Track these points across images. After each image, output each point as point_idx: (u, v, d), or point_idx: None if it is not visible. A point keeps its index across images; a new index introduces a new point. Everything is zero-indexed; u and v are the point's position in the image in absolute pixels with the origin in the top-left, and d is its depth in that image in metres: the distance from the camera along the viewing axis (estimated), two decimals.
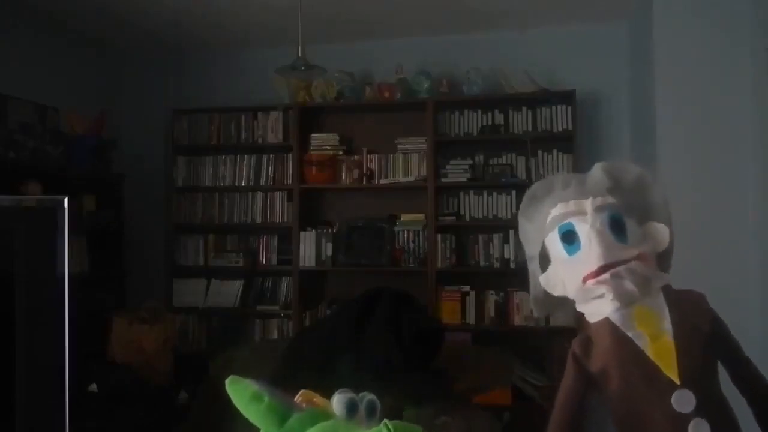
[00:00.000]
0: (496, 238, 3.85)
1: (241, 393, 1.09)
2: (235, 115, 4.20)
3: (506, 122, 3.89)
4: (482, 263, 3.87)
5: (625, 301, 1.36)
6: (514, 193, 3.85)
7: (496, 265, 3.84)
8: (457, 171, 3.88)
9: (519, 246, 3.74)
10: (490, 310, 3.83)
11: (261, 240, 4.21)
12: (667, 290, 1.41)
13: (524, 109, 3.86)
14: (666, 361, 1.31)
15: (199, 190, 4.24)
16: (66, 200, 1.01)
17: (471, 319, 3.83)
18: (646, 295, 1.37)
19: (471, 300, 3.84)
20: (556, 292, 1.48)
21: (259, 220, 4.17)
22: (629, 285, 1.35)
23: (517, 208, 3.73)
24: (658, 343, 1.33)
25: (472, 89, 3.91)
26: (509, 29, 4.01)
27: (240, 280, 4.20)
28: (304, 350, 2.52)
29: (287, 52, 3.12)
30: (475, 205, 3.90)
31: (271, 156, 4.17)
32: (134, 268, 4.19)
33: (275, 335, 4.10)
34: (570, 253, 1.42)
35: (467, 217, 3.91)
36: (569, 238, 1.43)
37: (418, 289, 3.40)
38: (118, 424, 2.87)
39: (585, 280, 1.39)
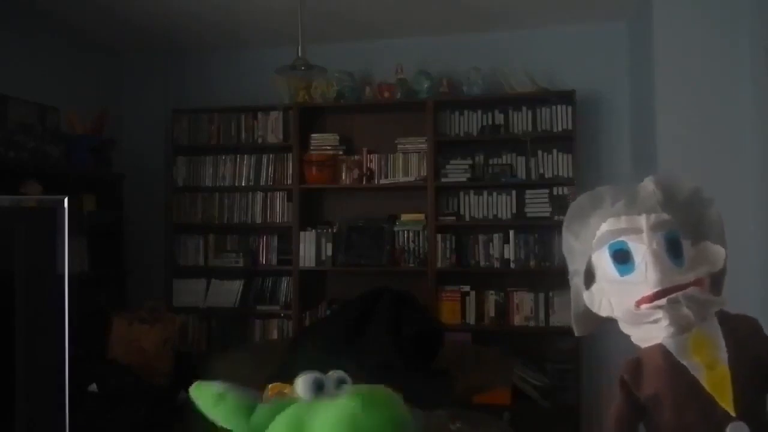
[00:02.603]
0: (496, 238, 3.85)
1: (206, 397, 1.06)
2: (235, 115, 4.20)
3: (506, 122, 3.88)
4: (482, 263, 3.87)
5: (682, 328, 1.30)
6: (514, 193, 3.85)
7: (496, 265, 3.84)
8: (457, 171, 3.87)
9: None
10: (490, 310, 3.83)
11: (261, 240, 4.21)
12: (721, 315, 1.34)
13: (524, 109, 3.86)
14: (721, 391, 1.26)
15: (199, 190, 4.24)
16: (66, 200, 1.01)
17: (471, 319, 3.83)
18: (701, 322, 1.31)
19: (471, 300, 3.84)
20: (602, 312, 1.41)
21: (259, 220, 4.16)
22: (686, 312, 1.29)
23: (517, 209, 3.79)
24: (714, 373, 1.27)
25: (472, 89, 3.91)
26: (509, 29, 4.01)
27: (240, 280, 4.20)
28: (305, 350, 2.52)
29: (287, 52, 3.12)
30: (475, 205, 3.90)
31: (271, 156, 4.16)
32: (134, 268, 4.19)
33: (275, 335, 4.10)
34: (622, 273, 1.35)
35: (467, 217, 3.91)
36: (621, 257, 1.35)
37: (418, 289, 3.40)
38: (118, 424, 2.87)
39: (639, 304, 1.32)
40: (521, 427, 3.28)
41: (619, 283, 1.36)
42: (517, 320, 3.79)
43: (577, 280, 1.47)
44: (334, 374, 1.08)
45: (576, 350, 3.67)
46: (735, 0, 3.16)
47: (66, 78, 3.97)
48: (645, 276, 1.30)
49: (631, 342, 1.44)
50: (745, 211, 3.05)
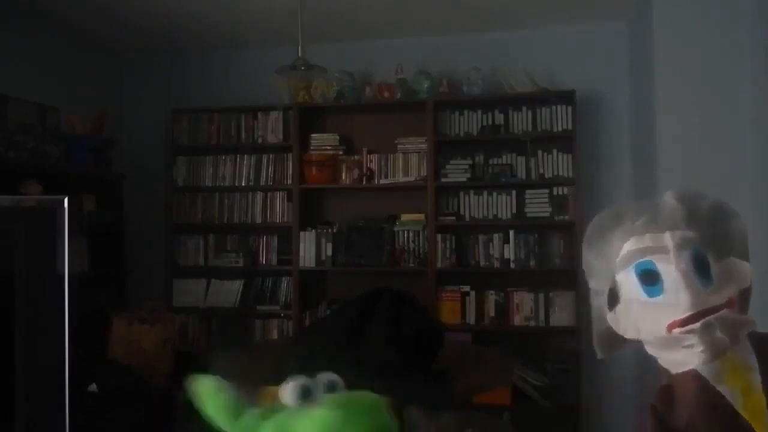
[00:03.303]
0: (496, 238, 3.85)
1: (202, 390, 1.10)
2: (235, 115, 4.20)
3: (506, 122, 3.88)
4: (482, 263, 3.87)
5: (717, 353, 1.23)
6: (514, 193, 3.85)
7: (496, 265, 3.84)
8: (457, 171, 3.87)
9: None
10: (490, 310, 3.83)
11: (261, 240, 4.21)
12: (752, 337, 1.28)
13: (524, 109, 3.86)
14: (758, 418, 1.21)
15: (199, 190, 4.24)
16: (66, 200, 1.01)
17: (471, 319, 3.83)
18: (735, 345, 1.24)
19: (471, 300, 3.84)
20: (628, 334, 1.34)
21: (259, 220, 4.16)
22: (721, 336, 1.22)
23: (517, 209, 3.79)
24: (750, 399, 1.22)
25: (472, 89, 3.91)
26: (509, 29, 4.02)
27: (240, 280, 4.20)
28: (304, 351, 2.52)
29: (287, 52, 3.12)
30: (475, 205, 3.90)
31: (271, 156, 4.16)
32: (134, 268, 4.19)
33: (275, 335, 4.10)
34: (650, 294, 1.28)
35: (467, 217, 3.91)
36: (649, 278, 1.28)
37: (418, 289, 3.40)
38: (118, 424, 2.87)
39: (670, 328, 1.24)
40: (521, 427, 3.27)
41: (647, 305, 1.28)
42: (517, 320, 3.79)
43: (598, 300, 1.40)
44: (324, 377, 1.07)
45: (576, 350, 3.67)
46: (735, 0, 3.16)
47: (66, 78, 3.96)
48: (676, 298, 1.23)
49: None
50: (745, 211, 3.01)
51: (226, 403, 1.06)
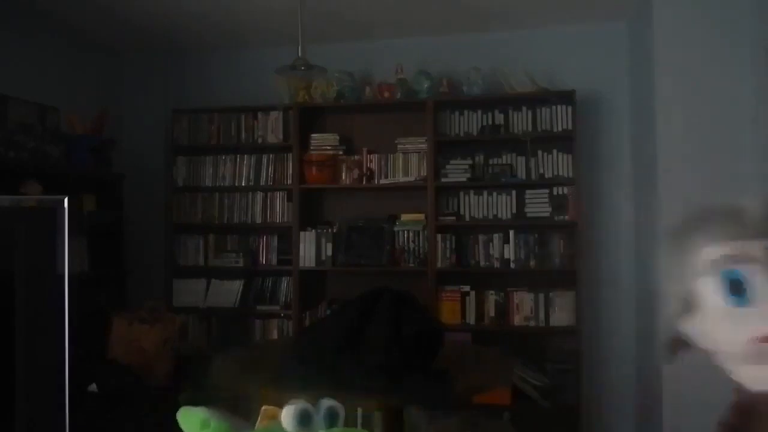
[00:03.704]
0: (496, 238, 3.85)
1: (190, 422, 1.11)
2: (235, 115, 4.20)
3: (506, 122, 3.88)
4: (482, 263, 3.87)
5: None
6: (514, 193, 3.85)
7: (496, 265, 3.84)
8: (457, 171, 3.87)
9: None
10: (490, 310, 3.83)
11: (261, 240, 4.21)
12: None
13: (524, 109, 3.86)
14: None
15: (199, 190, 4.24)
16: (66, 200, 1.01)
17: (471, 319, 3.83)
18: None
19: (471, 300, 3.84)
20: (702, 344, 1.28)
21: (259, 220, 4.17)
22: None
23: (517, 209, 3.79)
24: None
25: (472, 89, 3.91)
26: (509, 29, 4.02)
27: (240, 280, 4.20)
28: (304, 351, 2.52)
29: (287, 52, 3.12)
30: (475, 205, 3.90)
31: (271, 156, 4.17)
32: (134, 268, 4.19)
33: (275, 335, 4.10)
34: (736, 305, 1.21)
35: (467, 217, 3.91)
36: (735, 288, 1.22)
37: (418, 289, 3.40)
38: (118, 424, 2.87)
39: (759, 341, 1.18)
40: (521, 427, 3.28)
41: (731, 315, 1.22)
42: (517, 320, 3.79)
43: (672, 305, 1.33)
44: (325, 403, 1.05)
45: (576, 350, 3.67)
46: (735, 0, 3.16)
47: (66, 78, 3.97)
48: (766, 311, 1.17)
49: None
50: None
51: (217, 429, 1.06)
